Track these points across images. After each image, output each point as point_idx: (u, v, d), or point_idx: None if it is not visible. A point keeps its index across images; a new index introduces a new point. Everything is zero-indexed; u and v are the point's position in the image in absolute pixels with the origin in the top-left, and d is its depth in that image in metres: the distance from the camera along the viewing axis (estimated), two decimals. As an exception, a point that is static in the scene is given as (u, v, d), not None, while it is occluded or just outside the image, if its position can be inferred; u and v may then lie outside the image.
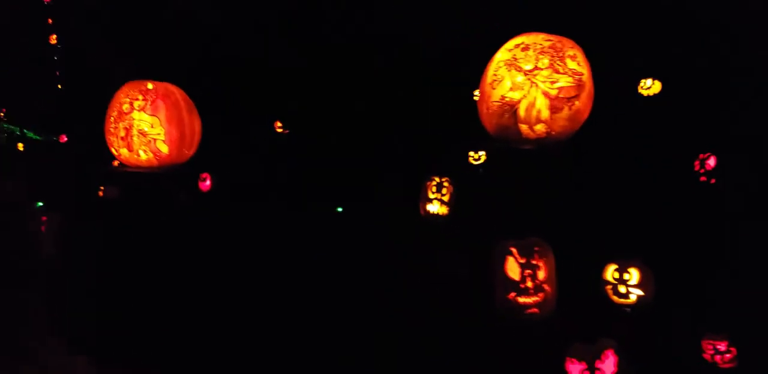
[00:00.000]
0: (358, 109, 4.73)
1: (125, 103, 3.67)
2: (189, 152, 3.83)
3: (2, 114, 9.60)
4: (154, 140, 3.66)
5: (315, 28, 4.53)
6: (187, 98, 3.81)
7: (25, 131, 8.32)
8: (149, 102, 3.65)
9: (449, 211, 4.20)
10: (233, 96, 4.52)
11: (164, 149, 3.67)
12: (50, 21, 8.68)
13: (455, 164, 4.97)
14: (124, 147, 3.69)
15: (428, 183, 4.22)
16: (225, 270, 3.58)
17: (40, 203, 4.36)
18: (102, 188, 7.04)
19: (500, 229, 2.81)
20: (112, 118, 3.70)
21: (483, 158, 5.18)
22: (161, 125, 3.64)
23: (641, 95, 3.46)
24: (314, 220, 4.35)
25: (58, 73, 8.82)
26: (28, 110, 8.95)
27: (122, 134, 3.68)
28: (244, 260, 3.70)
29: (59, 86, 8.96)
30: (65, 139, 8.12)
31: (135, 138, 3.65)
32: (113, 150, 3.77)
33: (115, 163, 5.64)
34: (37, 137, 8.51)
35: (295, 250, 3.90)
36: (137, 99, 3.67)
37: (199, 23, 4.40)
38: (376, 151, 4.79)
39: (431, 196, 4.14)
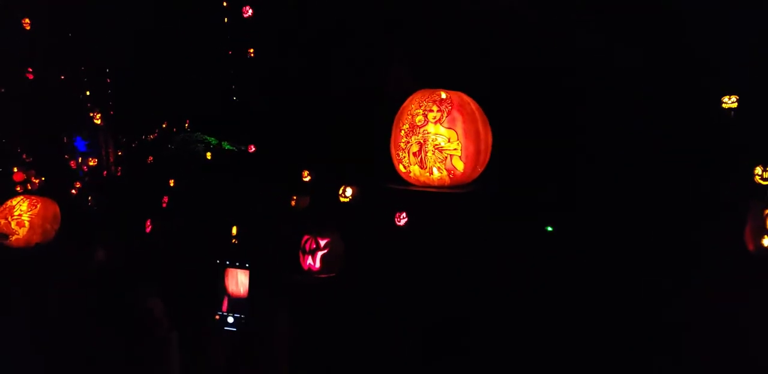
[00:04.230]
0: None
1: (418, 114, 3.30)
2: (480, 169, 3.39)
3: (186, 125, 9.95)
4: (451, 156, 3.24)
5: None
6: (480, 108, 3.37)
7: (224, 142, 8.49)
8: (445, 113, 3.25)
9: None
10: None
11: (460, 166, 3.25)
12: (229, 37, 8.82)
13: (738, 184, 4.21)
14: (416, 164, 3.31)
15: (766, 211, 3.49)
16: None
17: None
18: (294, 198, 6.88)
19: None
20: (402, 131, 3.34)
21: (775, 177, 4.34)
22: (458, 139, 3.22)
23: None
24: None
25: (233, 86, 8.95)
26: (213, 121, 9.16)
27: (415, 149, 3.30)
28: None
29: (234, 98, 9.10)
30: (253, 149, 8.16)
31: (429, 154, 3.26)
32: (401, 167, 3.40)
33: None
34: (232, 148, 8.66)
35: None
36: (431, 111, 3.27)
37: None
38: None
39: (772, 227, 3.41)
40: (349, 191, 5.31)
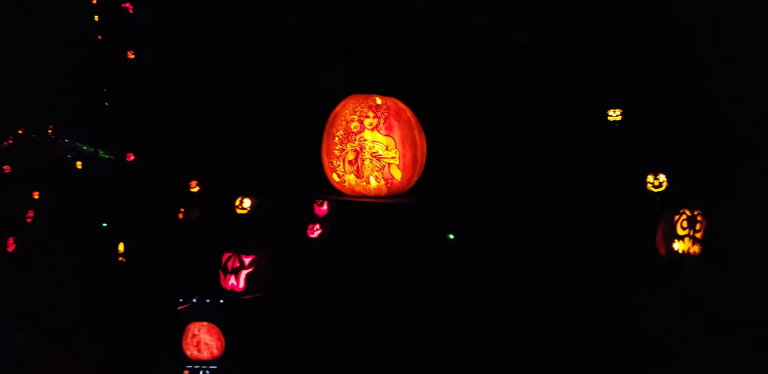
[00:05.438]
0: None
1: (353, 121, 3.11)
2: (415, 178, 3.27)
3: (50, 131, 8.94)
4: (389, 164, 3.09)
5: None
6: (414, 115, 3.27)
7: (100, 150, 7.68)
8: (382, 120, 3.10)
9: (702, 251, 3.71)
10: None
11: (398, 175, 3.11)
12: (100, 37, 8.10)
13: (626, 190, 4.49)
14: (352, 173, 3.11)
15: (676, 217, 3.72)
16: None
17: None
18: (182, 210, 6.41)
19: None
20: (336, 138, 3.13)
21: (665, 185, 4.68)
22: (396, 147, 3.09)
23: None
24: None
25: (105, 89, 8.24)
26: (82, 127, 8.38)
27: (351, 157, 3.11)
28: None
29: (106, 104, 8.37)
30: (132, 157, 7.55)
31: (367, 162, 3.08)
32: (334, 176, 3.19)
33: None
34: (108, 156, 7.88)
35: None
36: (367, 117, 3.11)
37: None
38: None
39: (681, 233, 3.64)
40: (247, 202, 4.94)
